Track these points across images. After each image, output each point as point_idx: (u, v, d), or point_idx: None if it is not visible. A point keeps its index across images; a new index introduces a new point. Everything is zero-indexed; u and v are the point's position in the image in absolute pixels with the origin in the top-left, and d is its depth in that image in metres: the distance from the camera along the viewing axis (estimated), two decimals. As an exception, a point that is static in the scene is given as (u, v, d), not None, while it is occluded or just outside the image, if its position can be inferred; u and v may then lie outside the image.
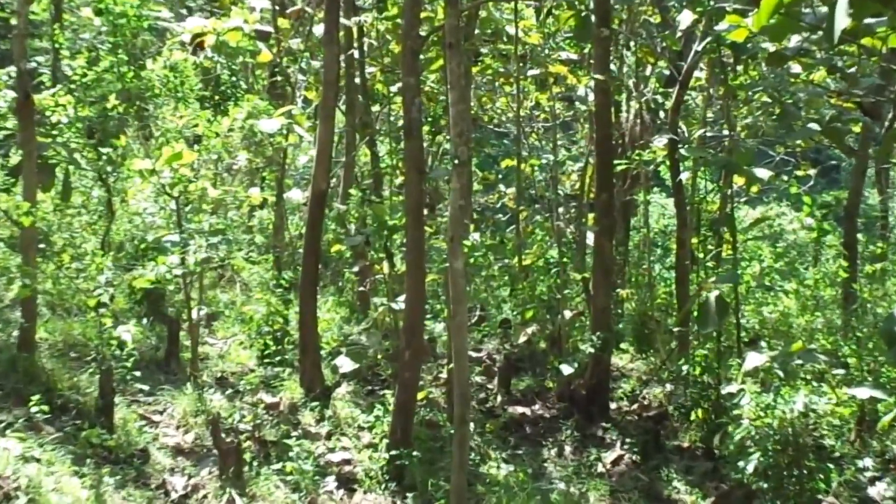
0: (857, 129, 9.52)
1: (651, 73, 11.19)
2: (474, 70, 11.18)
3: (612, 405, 8.67)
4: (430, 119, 11.55)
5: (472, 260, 8.80)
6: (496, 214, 13.97)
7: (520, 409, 8.47)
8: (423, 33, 7.08)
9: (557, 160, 10.87)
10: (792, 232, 13.81)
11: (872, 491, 6.77)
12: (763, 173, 7.38)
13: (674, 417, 8.21)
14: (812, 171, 11.01)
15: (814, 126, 7.19)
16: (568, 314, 9.15)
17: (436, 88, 11.61)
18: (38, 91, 8.36)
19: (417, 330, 6.73)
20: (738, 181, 9.33)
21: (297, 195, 11.28)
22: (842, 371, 7.45)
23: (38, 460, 5.61)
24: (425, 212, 7.62)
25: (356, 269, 10.10)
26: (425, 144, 11.07)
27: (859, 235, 11.67)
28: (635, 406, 8.62)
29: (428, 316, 8.72)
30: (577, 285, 10.40)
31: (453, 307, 5.65)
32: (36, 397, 5.99)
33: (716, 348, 7.98)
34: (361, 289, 10.13)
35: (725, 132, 8.97)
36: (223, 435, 6.30)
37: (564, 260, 9.68)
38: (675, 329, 8.99)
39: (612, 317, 9.31)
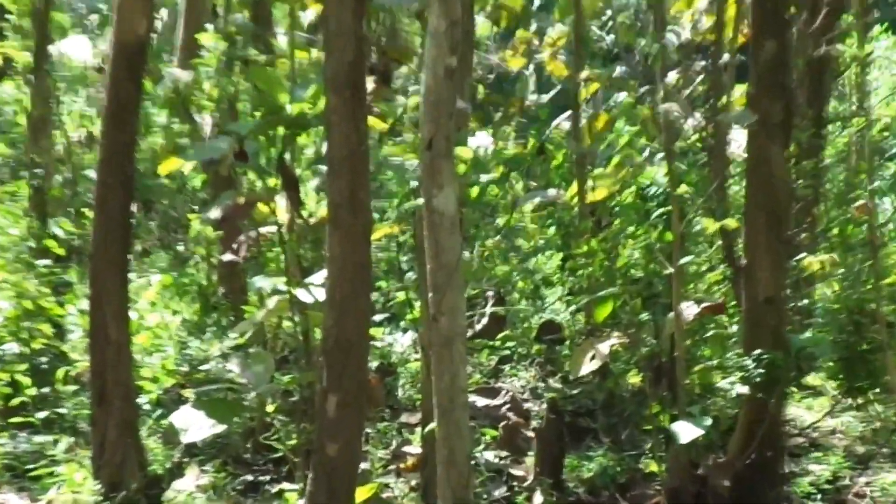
0: None
1: None
2: None
3: (792, 509, 8.72)
4: None
5: (474, 193, 8.89)
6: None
7: (585, 522, 8.57)
8: None
9: (663, -32, 11.01)
10: None
11: None
12: None
13: (926, 534, 8.33)
14: None
15: None
16: (690, 310, 9.10)
17: None
18: None
19: (355, 350, 6.74)
20: None
21: (81, 50, 11.27)
22: None
23: None
24: (369, 84, 7.61)
25: (217, 213, 10.05)
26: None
27: None
28: (842, 510, 8.71)
29: (378, 317, 8.94)
30: (708, 246, 10.44)
31: (432, 298, 5.66)
32: None
33: None
34: (229, 257, 10.11)
35: None
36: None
37: (681, 191, 9.70)
38: (928, 344, 9.02)
39: (790, 316, 9.35)
